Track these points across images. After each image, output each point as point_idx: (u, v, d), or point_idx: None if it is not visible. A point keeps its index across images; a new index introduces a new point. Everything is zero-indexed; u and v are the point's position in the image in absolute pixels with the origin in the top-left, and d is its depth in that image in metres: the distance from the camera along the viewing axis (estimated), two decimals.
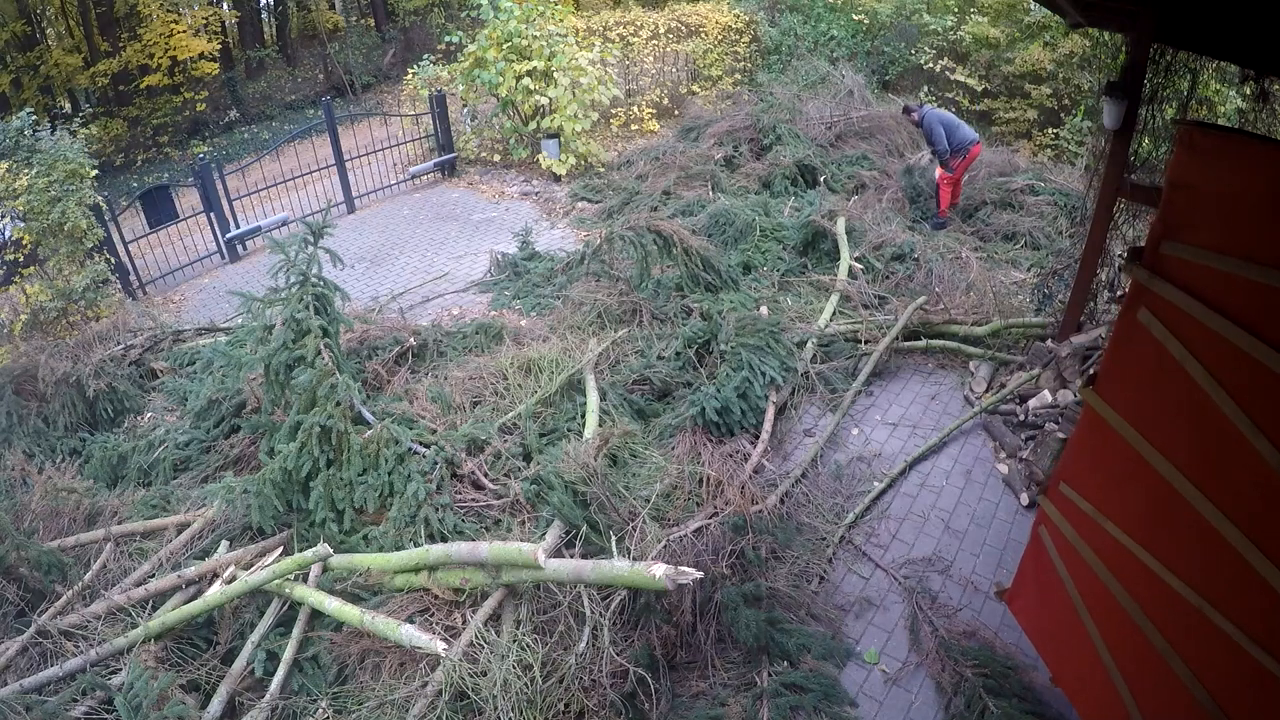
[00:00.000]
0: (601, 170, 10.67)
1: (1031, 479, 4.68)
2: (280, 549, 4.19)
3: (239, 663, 3.60)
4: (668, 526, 4.00)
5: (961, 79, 11.83)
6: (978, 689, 3.44)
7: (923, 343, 6.01)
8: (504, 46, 10.05)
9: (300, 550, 4.05)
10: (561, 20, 10.88)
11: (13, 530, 3.93)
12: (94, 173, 7.45)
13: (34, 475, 4.71)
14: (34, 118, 7.31)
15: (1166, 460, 2.38)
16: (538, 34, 10.10)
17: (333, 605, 3.67)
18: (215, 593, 3.75)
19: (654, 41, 12.53)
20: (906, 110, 8.35)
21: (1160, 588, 2.43)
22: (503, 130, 11.07)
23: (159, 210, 8.92)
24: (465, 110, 12.12)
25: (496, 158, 11.22)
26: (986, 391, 5.58)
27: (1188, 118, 4.69)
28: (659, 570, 3.09)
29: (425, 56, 12.57)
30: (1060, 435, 4.60)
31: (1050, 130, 11.08)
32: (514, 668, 3.23)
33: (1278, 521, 2.04)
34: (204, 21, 15.99)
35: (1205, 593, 2.26)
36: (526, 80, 9.89)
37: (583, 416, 4.89)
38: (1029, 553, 3.30)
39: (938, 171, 8.05)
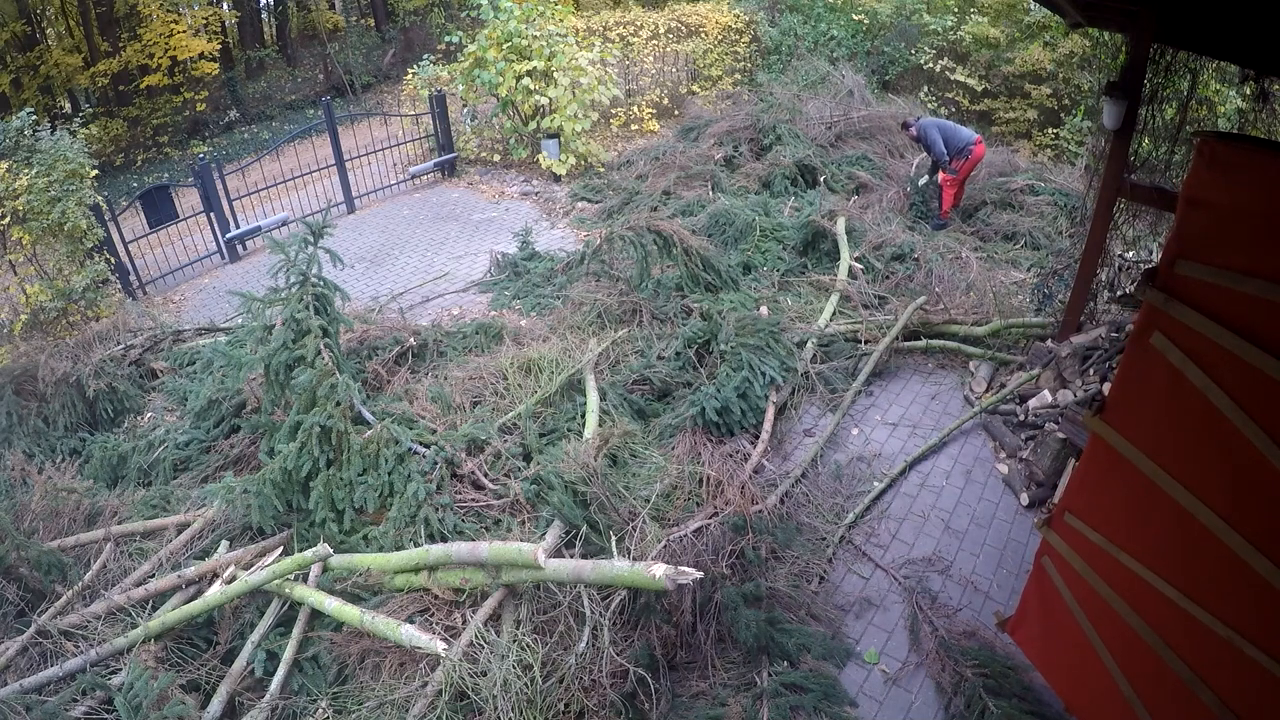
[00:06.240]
0: (601, 170, 10.67)
1: (1031, 479, 4.68)
2: (280, 549, 4.19)
3: (239, 663, 3.60)
4: (668, 526, 4.00)
5: (961, 79, 11.83)
6: (978, 689, 3.44)
7: (923, 343, 6.01)
8: (504, 46, 10.05)
9: (300, 550, 4.05)
10: (561, 20, 10.88)
11: (13, 530, 3.93)
12: (94, 173, 7.45)
13: (34, 475, 4.71)
14: (34, 117, 7.31)
15: (1186, 490, 2.30)
16: (538, 34, 10.10)
17: (332, 605, 3.67)
18: (215, 593, 3.76)
19: (654, 41, 12.53)
20: (905, 125, 8.45)
21: (1183, 618, 2.36)
22: (503, 130, 11.08)
23: (159, 210, 8.91)
24: (465, 110, 12.12)
25: (496, 158, 11.22)
26: (986, 391, 5.58)
27: (1205, 129, 4.66)
28: (659, 570, 3.08)
29: (425, 56, 12.56)
30: (1060, 435, 4.60)
31: (1050, 130, 11.09)
32: (514, 668, 3.23)
33: None
34: (204, 21, 16.00)
35: (1234, 623, 2.21)
36: (526, 80, 9.89)
37: (583, 416, 4.89)
38: (1032, 583, 3.24)
39: (940, 174, 8.07)
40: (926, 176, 8.39)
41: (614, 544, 3.62)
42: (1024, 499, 4.67)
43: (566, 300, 6.71)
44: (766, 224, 7.66)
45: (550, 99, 10.04)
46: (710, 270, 6.51)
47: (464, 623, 3.55)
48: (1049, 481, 4.56)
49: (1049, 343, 5.45)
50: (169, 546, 4.18)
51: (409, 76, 12.54)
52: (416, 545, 3.89)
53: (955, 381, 5.82)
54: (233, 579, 3.85)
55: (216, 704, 3.40)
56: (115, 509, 4.53)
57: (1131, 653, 2.63)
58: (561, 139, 10.39)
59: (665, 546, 3.80)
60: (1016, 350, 5.84)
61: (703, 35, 12.94)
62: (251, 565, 4.01)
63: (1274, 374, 2.02)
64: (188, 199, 9.87)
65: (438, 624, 3.58)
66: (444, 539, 3.97)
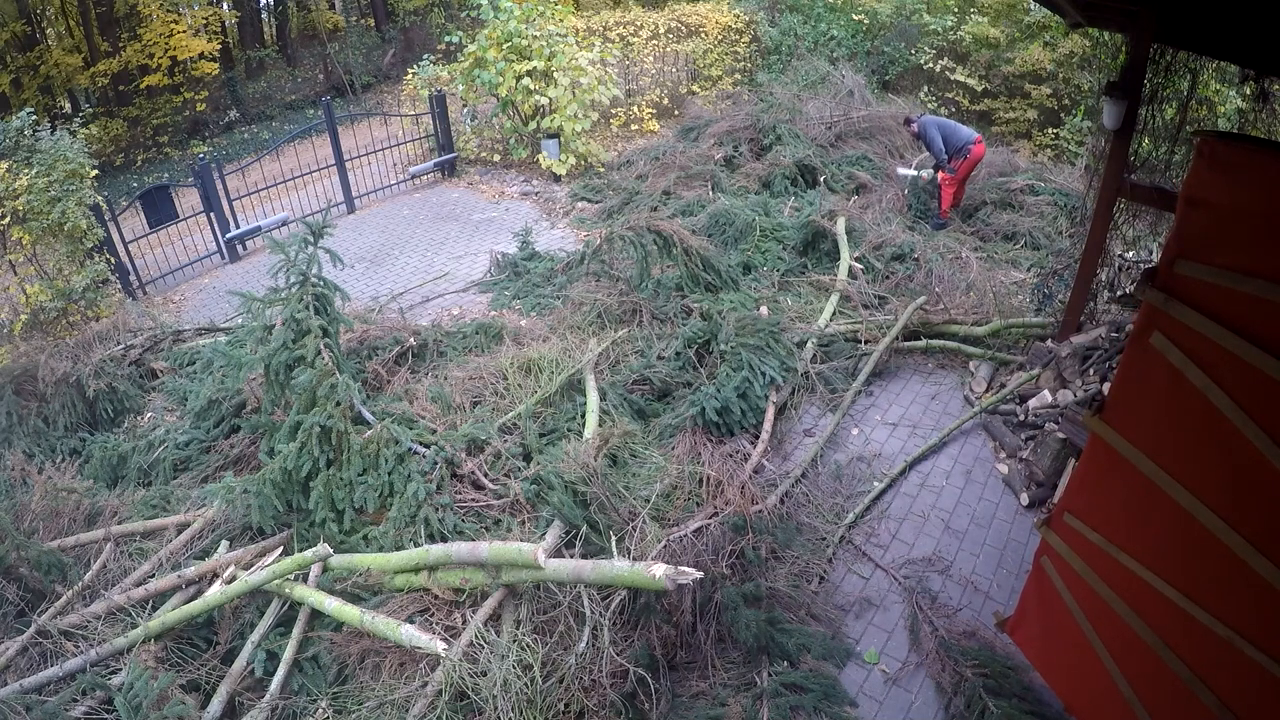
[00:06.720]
0: (601, 170, 10.67)
1: (1031, 479, 4.68)
2: (280, 549, 4.19)
3: (239, 663, 3.60)
4: (668, 526, 4.00)
5: (961, 79, 11.83)
6: (978, 689, 3.44)
7: (923, 343, 6.01)
8: (504, 46, 10.05)
9: (300, 550, 4.05)
10: (561, 20, 10.88)
11: (13, 530, 3.93)
12: (94, 173, 7.44)
13: (34, 475, 4.71)
14: (34, 117, 7.30)
15: (1186, 490, 2.29)
16: (538, 34, 10.10)
17: (332, 605, 3.67)
18: (215, 593, 3.75)
19: (654, 41, 12.53)
20: (907, 121, 8.51)
21: (1183, 619, 2.36)
22: (503, 130, 11.08)
23: (159, 210, 8.91)
24: (465, 110, 12.12)
25: (496, 158, 11.22)
26: (986, 391, 5.58)
27: (1205, 129, 4.65)
28: (659, 570, 3.08)
29: (425, 56, 12.56)
30: (1060, 435, 4.60)
31: (1050, 130, 11.09)
32: (514, 668, 3.23)
33: None
34: (204, 21, 16.00)
35: (1234, 623, 2.20)
36: (526, 80, 9.89)
37: (583, 416, 4.89)
38: (1031, 583, 3.24)
39: (939, 172, 8.08)
40: (929, 171, 8.38)
41: (614, 544, 3.62)
42: (1024, 499, 4.67)
43: (566, 300, 6.70)
44: (766, 224, 7.66)
45: (550, 99, 10.03)
46: (710, 270, 6.51)
47: (464, 623, 3.55)
48: (1049, 481, 4.56)
49: (1049, 343, 5.44)
50: (169, 546, 4.18)
51: (409, 76, 12.53)
52: (416, 545, 3.89)
53: (955, 381, 5.82)
54: (233, 579, 3.85)
55: (216, 704, 3.40)
56: (115, 509, 4.53)
57: (1131, 653, 2.62)
58: (561, 139, 10.39)
59: (665, 546, 3.80)
60: (1016, 350, 5.83)
61: (703, 35, 12.94)
62: (251, 565, 4.01)
63: (1274, 374, 2.02)
64: (188, 199, 9.87)
65: (438, 624, 3.58)
66: (444, 539, 3.97)
